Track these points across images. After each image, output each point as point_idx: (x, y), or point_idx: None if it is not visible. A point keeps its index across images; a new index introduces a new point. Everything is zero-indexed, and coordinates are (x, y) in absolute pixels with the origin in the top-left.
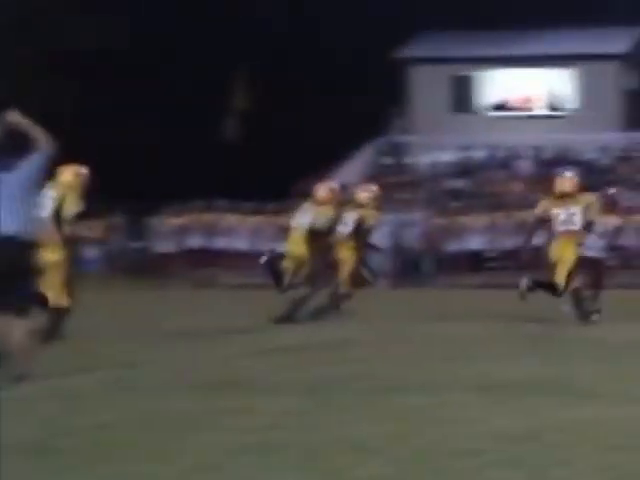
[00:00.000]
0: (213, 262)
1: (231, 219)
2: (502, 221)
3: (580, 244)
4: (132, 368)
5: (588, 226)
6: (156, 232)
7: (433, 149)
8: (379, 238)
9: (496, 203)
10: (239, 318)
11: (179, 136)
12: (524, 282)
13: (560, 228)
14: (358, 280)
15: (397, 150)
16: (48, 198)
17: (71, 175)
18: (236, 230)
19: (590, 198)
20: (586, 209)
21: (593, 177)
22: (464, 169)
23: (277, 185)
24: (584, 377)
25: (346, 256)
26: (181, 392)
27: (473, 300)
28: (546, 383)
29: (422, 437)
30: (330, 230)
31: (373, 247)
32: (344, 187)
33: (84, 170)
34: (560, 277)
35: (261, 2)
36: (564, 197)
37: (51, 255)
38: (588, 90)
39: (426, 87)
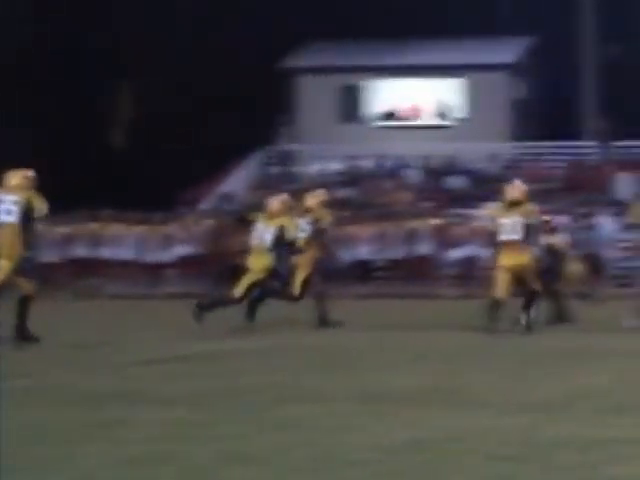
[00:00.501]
0: (98, 272)
1: (116, 228)
2: (390, 231)
3: (524, 252)
4: (20, 379)
5: (528, 231)
6: (41, 241)
7: (321, 158)
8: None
9: (384, 213)
10: (126, 328)
11: (65, 145)
12: (523, 319)
13: (503, 237)
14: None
15: (284, 159)
16: (9, 203)
17: (20, 179)
18: (121, 239)
19: (533, 207)
20: (528, 218)
21: (481, 186)
22: (352, 178)
23: (163, 194)
24: (474, 387)
25: (303, 261)
26: (70, 403)
27: (361, 310)
28: (435, 393)
29: (309, 447)
30: (294, 240)
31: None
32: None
33: (31, 173)
34: (500, 287)
35: (141, 13)
36: (513, 205)
37: None
38: (476, 100)
39: (314, 97)
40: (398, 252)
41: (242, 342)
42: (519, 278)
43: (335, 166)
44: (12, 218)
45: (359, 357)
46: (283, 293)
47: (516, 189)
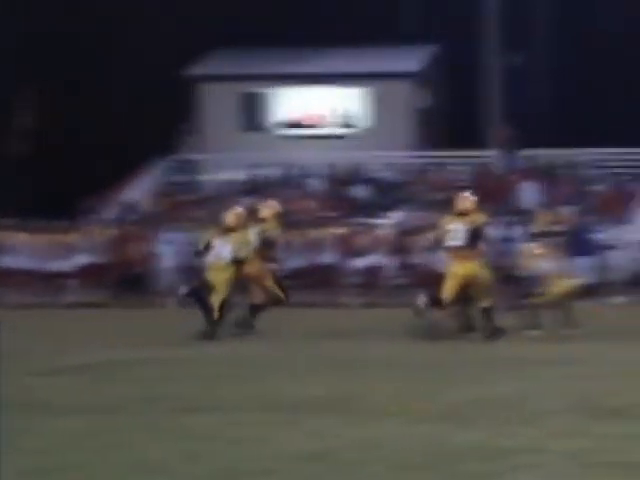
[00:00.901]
0: None
1: (17, 237)
2: (294, 239)
3: (473, 260)
4: None
5: (473, 239)
6: None
7: (224, 167)
8: (169, 256)
9: (288, 221)
10: (28, 338)
11: None
12: (422, 299)
13: (448, 244)
14: (272, 296)
15: (187, 168)
16: None
17: None
18: (22, 248)
19: (482, 217)
20: (477, 228)
21: (385, 195)
22: (255, 187)
23: (65, 203)
24: (379, 396)
25: (254, 272)
26: None
27: (265, 319)
28: (340, 402)
29: (216, 457)
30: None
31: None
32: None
33: None
34: (447, 292)
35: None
36: (462, 215)
37: None
38: (380, 109)
39: (217, 105)
40: (302, 261)
41: (152, 351)
42: (467, 288)
43: (238, 175)
44: None
45: (265, 367)
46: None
47: (466, 200)
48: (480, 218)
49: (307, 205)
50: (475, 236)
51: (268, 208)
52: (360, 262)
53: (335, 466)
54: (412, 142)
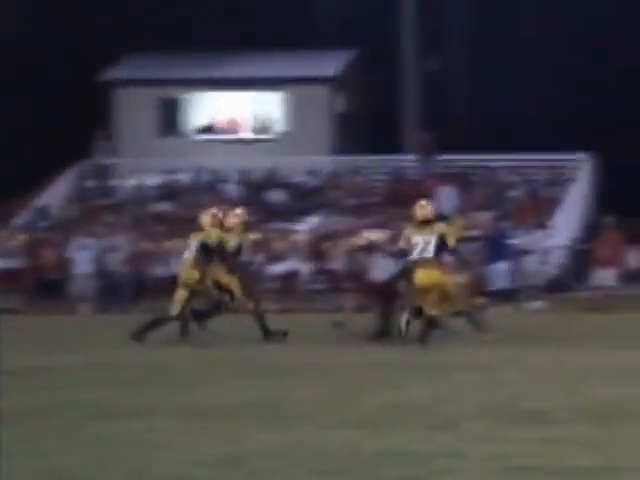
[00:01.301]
0: None
1: None
2: None
3: (440, 271)
4: None
5: (451, 253)
6: None
7: (139, 172)
8: (83, 262)
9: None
10: None
11: None
12: (404, 319)
13: (416, 256)
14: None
15: (102, 173)
16: None
17: None
18: None
19: (443, 226)
20: (442, 237)
21: (301, 200)
22: (170, 193)
23: None
24: (296, 401)
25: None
26: None
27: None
28: (258, 407)
29: (132, 463)
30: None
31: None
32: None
33: None
34: (430, 305)
35: None
36: (424, 225)
37: None
38: (297, 113)
39: (132, 110)
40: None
41: (67, 357)
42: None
43: (153, 180)
44: None
45: (182, 373)
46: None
47: (426, 209)
48: (442, 227)
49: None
50: (440, 246)
51: (235, 217)
52: (277, 267)
53: (252, 471)
54: (329, 147)
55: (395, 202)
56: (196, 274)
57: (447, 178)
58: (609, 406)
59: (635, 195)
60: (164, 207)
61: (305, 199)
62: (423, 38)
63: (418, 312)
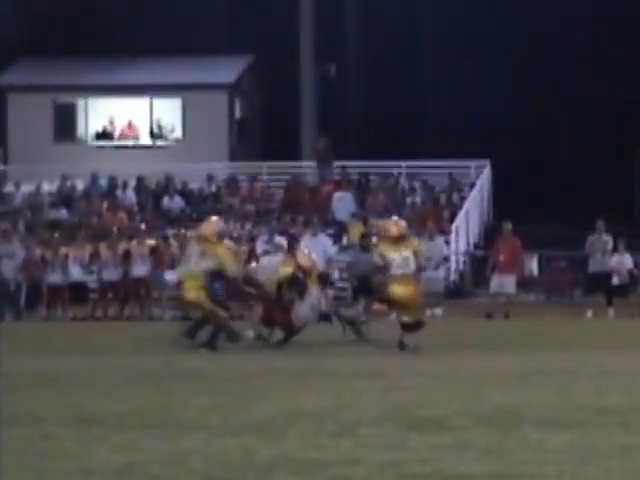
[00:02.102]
0: None
1: None
2: (105, 252)
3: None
4: None
5: (420, 269)
6: None
7: (33, 178)
8: None
9: (98, 233)
10: None
11: None
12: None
13: (397, 272)
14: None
15: None
16: None
17: None
18: None
19: (417, 243)
20: (415, 253)
21: (197, 207)
22: (65, 199)
23: None
24: (187, 409)
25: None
26: None
27: (76, 332)
28: (150, 416)
29: (22, 472)
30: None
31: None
32: None
33: None
34: (415, 315)
35: None
36: (398, 241)
37: None
38: (195, 119)
39: (27, 115)
40: (113, 274)
41: None
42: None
43: (48, 186)
44: None
45: (74, 381)
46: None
47: (399, 225)
48: (415, 242)
49: (118, 217)
50: (417, 261)
51: (210, 226)
52: (172, 275)
53: None
54: (226, 153)
55: (293, 208)
56: None
57: (345, 184)
58: (507, 412)
59: (530, 202)
60: (60, 214)
61: (201, 205)
62: (319, 44)
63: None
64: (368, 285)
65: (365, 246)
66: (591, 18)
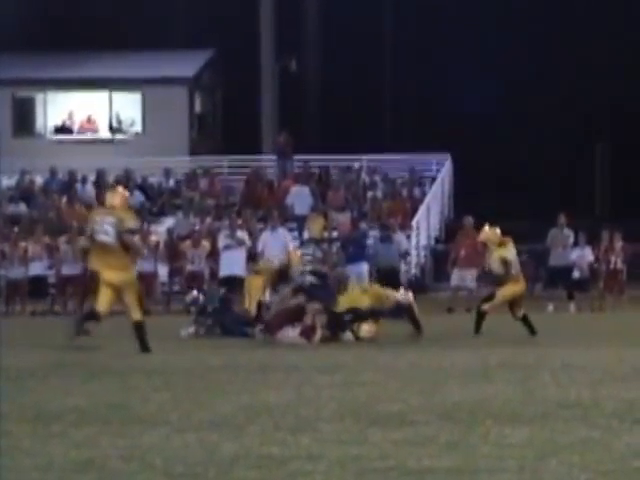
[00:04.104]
0: None
1: None
2: (64, 246)
3: None
4: None
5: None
6: None
7: None
8: None
9: (57, 228)
10: None
11: None
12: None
13: (513, 272)
14: None
15: None
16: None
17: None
18: None
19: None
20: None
21: (157, 201)
22: (24, 193)
23: None
24: (150, 404)
25: None
26: None
27: (35, 327)
28: (106, 411)
29: None
30: None
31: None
32: None
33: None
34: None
35: None
36: (502, 244)
37: None
38: (155, 114)
39: None
40: (72, 268)
41: None
42: None
43: (6, 181)
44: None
45: (30, 377)
46: None
47: (495, 231)
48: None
49: (77, 211)
50: None
51: (117, 196)
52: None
53: (103, 476)
54: (186, 147)
55: (252, 203)
56: None
57: (305, 178)
58: (468, 407)
59: (491, 196)
60: (18, 208)
61: (161, 200)
62: (280, 39)
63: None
64: (394, 276)
65: (385, 237)
66: (555, 14)
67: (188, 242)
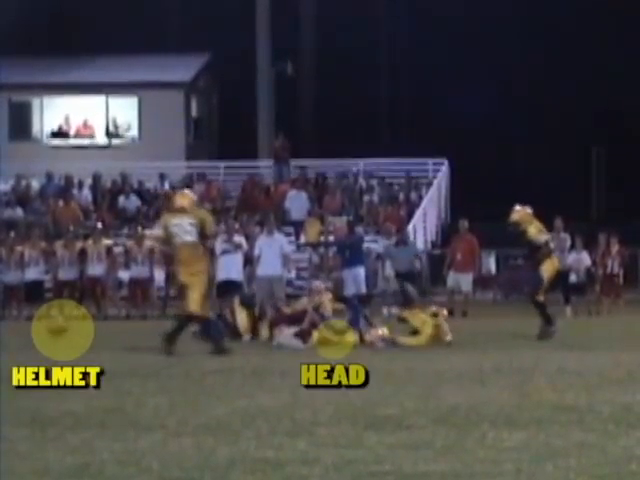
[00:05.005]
0: None
1: None
2: (60, 251)
3: None
4: None
5: None
6: None
7: None
8: None
9: (54, 232)
10: None
11: None
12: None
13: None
14: None
15: None
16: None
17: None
18: None
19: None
20: None
21: (153, 206)
22: (21, 198)
23: None
24: (142, 409)
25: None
26: None
27: (31, 332)
28: (102, 416)
29: None
30: None
31: None
32: None
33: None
34: None
35: None
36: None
37: None
38: (150, 118)
39: None
40: (69, 273)
41: None
42: None
43: (2, 186)
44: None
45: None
46: None
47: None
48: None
49: (73, 216)
50: None
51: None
52: (128, 274)
53: None
54: (183, 152)
55: (249, 207)
56: None
57: (301, 183)
58: (464, 410)
59: (487, 200)
60: (14, 213)
61: (157, 205)
62: (276, 43)
63: None
64: (412, 278)
65: (400, 241)
66: (553, 19)
67: None
